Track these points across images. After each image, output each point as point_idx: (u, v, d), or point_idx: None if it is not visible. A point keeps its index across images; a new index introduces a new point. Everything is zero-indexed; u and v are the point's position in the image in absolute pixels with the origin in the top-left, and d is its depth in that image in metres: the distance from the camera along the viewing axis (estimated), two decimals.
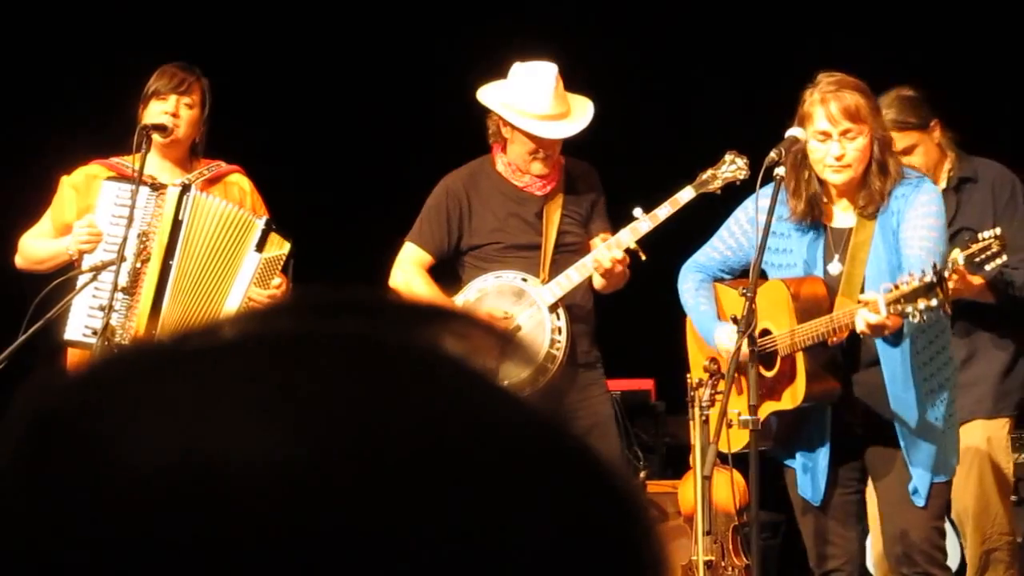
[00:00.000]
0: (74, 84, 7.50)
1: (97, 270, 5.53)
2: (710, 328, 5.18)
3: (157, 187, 5.67)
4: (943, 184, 5.75)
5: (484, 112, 5.87)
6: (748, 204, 5.18)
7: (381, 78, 8.19)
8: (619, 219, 5.77)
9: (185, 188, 5.67)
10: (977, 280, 5.26)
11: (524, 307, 5.78)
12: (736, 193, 5.50)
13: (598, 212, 5.90)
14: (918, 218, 4.85)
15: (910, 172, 5.02)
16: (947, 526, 6.15)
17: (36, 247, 5.78)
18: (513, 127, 5.77)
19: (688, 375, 5.35)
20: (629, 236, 5.64)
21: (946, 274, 4.62)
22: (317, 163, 8.12)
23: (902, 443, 4.91)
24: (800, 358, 4.95)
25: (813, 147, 4.94)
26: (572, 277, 5.73)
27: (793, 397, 4.98)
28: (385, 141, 8.15)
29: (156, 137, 5.68)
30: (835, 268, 4.98)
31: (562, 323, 5.76)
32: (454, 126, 6.18)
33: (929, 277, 4.58)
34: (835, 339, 4.91)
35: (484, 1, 8.22)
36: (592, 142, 5.83)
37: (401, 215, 6.03)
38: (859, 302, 4.74)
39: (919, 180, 4.99)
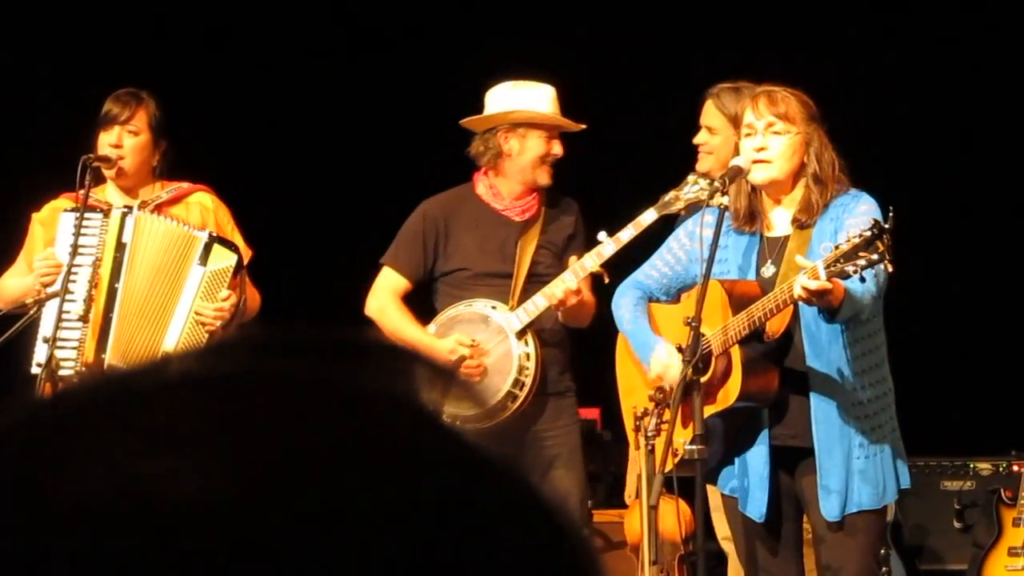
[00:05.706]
0: (42, 118, 7.47)
1: (40, 302, 5.50)
2: (647, 345, 5.06)
3: (107, 212, 5.64)
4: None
5: (466, 137, 5.84)
6: (688, 223, 5.16)
7: (365, 101, 8.21)
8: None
9: (127, 210, 5.64)
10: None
11: (491, 335, 5.73)
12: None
13: (575, 247, 5.82)
14: (857, 227, 4.76)
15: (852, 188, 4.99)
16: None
17: (10, 287, 5.74)
18: (528, 127, 5.75)
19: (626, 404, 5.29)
20: (594, 261, 5.60)
21: (887, 226, 4.53)
22: (293, 184, 8.11)
23: (818, 464, 4.77)
24: (735, 353, 4.82)
25: (741, 146, 4.92)
26: (539, 303, 5.69)
27: (727, 395, 4.84)
28: (363, 160, 8.17)
29: (104, 171, 5.66)
30: (768, 271, 4.91)
31: (531, 349, 5.71)
32: (434, 149, 6.14)
33: (869, 232, 4.49)
34: (771, 332, 4.82)
35: (464, 28, 8.24)
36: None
37: (378, 237, 5.99)
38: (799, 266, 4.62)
39: (858, 192, 4.94)
